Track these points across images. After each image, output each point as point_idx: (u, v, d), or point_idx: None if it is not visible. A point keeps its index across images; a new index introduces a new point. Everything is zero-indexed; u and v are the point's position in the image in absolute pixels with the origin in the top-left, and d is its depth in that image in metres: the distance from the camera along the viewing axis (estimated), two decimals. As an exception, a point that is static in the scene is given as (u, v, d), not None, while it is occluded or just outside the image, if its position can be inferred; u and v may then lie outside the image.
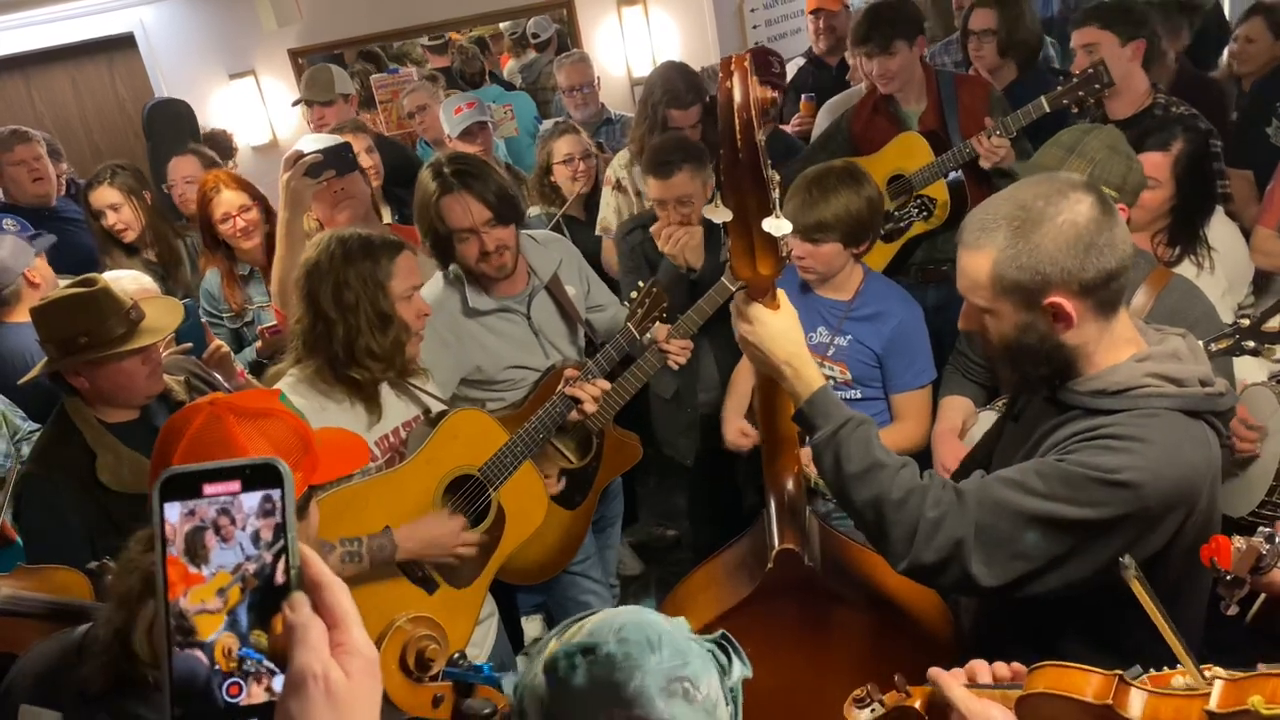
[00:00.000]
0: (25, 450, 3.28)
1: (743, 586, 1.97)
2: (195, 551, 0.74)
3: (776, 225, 1.37)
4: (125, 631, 1.48)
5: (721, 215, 1.41)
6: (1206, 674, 1.15)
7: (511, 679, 1.60)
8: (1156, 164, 2.77)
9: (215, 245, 3.66)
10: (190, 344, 2.96)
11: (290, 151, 3.07)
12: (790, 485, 1.97)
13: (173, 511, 0.75)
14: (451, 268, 2.93)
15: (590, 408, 2.75)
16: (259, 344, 3.49)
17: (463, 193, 2.72)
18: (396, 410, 2.55)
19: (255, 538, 0.75)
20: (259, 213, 3.63)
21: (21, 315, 3.50)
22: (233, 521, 0.75)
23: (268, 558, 0.75)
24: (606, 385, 2.80)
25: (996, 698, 1.27)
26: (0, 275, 3.49)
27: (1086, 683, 1.18)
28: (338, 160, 3.06)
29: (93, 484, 2.38)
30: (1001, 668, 1.33)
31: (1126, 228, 1.65)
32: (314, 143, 3.28)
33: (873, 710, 1.37)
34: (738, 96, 1.32)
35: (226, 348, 3.19)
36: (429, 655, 1.55)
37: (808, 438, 1.79)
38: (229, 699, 0.74)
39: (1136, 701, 1.15)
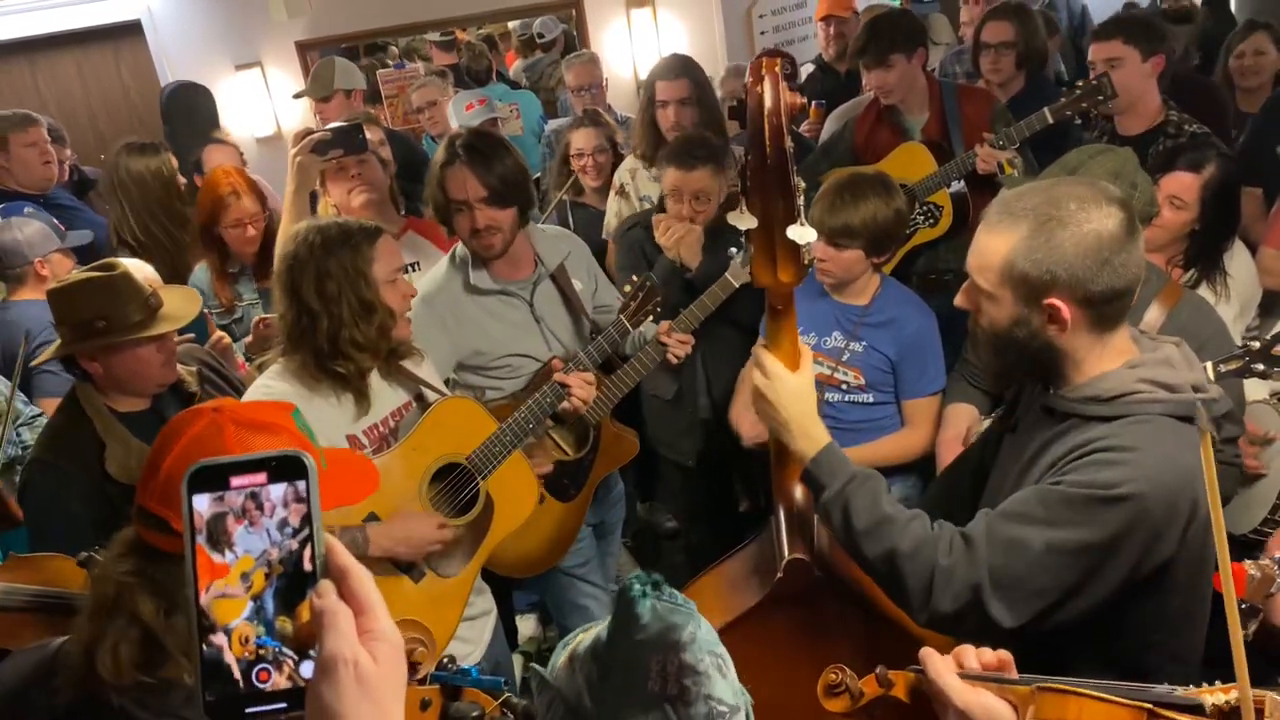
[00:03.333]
0: (25, 434, 3.27)
1: (750, 595, 1.94)
2: (217, 538, 0.76)
3: (801, 233, 1.37)
4: (91, 648, 1.45)
5: (746, 222, 1.40)
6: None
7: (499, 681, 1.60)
8: (1186, 185, 2.78)
9: (210, 242, 3.64)
10: (193, 334, 2.96)
11: (300, 128, 3.08)
12: (799, 493, 1.96)
13: (201, 502, 0.76)
14: (458, 250, 2.94)
15: (580, 394, 2.74)
16: (248, 339, 3.48)
17: (465, 166, 2.74)
18: (386, 399, 2.53)
19: (281, 526, 0.77)
20: (264, 219, 3.64)
21: (25, 295, 3.52)
22: (260, 509, 0.77)
23: (294, 545, 0.77)
24: (589, 377, 2.79)
25: (992, 690, 1.22)
26: (10, 254, 3.50)
27: (1111, 718, 1.10)
28: (346, 140, 3.07)
29: (100, 474, 2.36)
30: (988, 654, 1.29)
31: (1143, 252, 1.66)
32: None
33: (851, 698, 1.34)
34: (768, 101, 1.31)
35: (229, 338, 3.19)
36: (415, 658, 1.55)
37: (816, 499, 1.79)
38: (259, 684, 0.76)
39: None
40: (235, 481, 0.76)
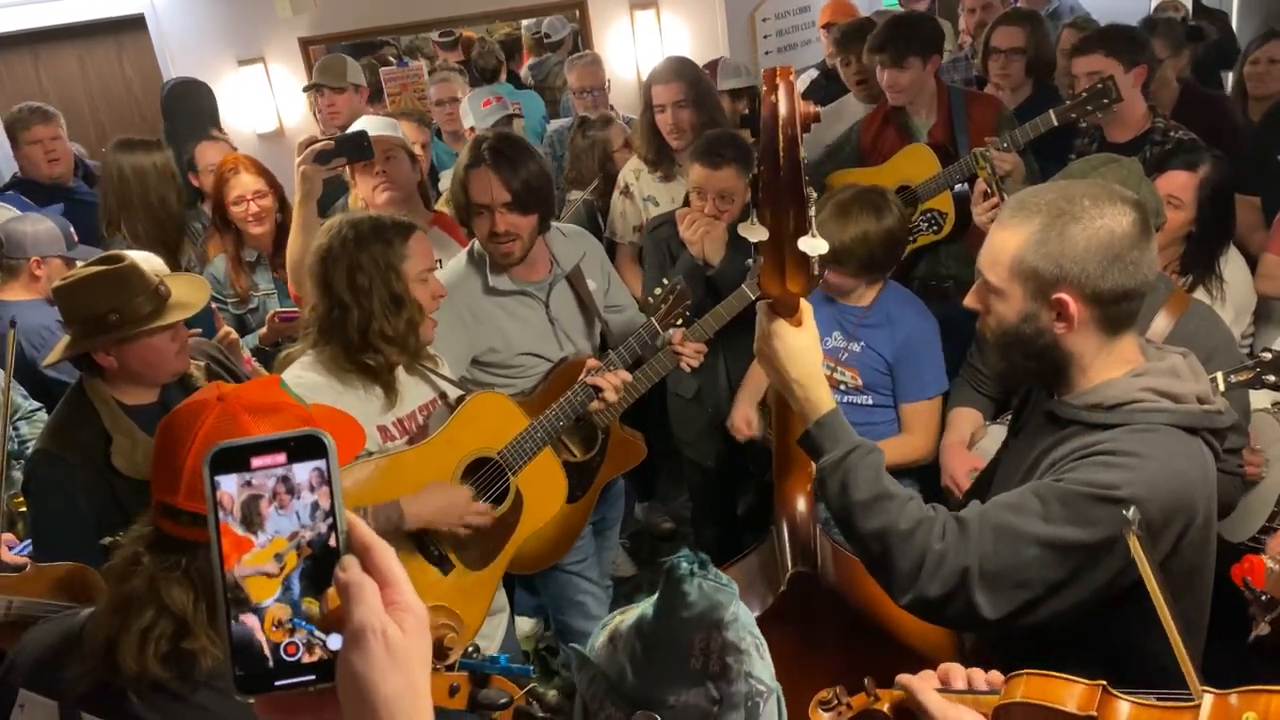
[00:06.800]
0: (24, 429, 3.27)
1: (752, 608, 1.93)
2: (250, 519, 0.77)
3: (812, 245, 1.35)
4: (114, 640, 1.45)
5: (758, 234, 1.39)
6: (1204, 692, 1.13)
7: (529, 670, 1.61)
8: (1182, 184, 2.79)
9: (225, 228, 3.67)
10: (200, 329, 2.96)
11: (304, 137, 3.08)
12: (802, 504, 1.94)
13: (228, 483, 0.78)
14: (476, 246, 2.94)
15: (612, 397, 2.76)
16: (263, 330, 3.48)
17: (489, 169, 2.73)
18: (414, 394, 2.55)
19: (311, 507, 0.78)
20: (273, 200, 3.65)
21: (15, 294, 3.51)
22: (290, 490, 0.78)
23: (322, 527, 0.78)
24: (628, 377, 2.80)
25: (969, 703, 1.25)
26: (13, 245, 3.50)
27: (1069, 693, 1.15)
28: (350, 148, 3.07)
29: (105, 467, 2.36)
30: (978, 674, 1.31)
31: (1155, 255, 1.66)
32: (365, 124, 3.31)
33: (838, 713, 1.36)
34: (783, 111, 1.30)
35: (235, 334, 3.19)
36: (446, 644, 1.56)
37: (813, 461, 1.75)
38: (287, 658, 0.77)
39: (1121, 713, 1.12)
40: (256, 462, 0.78)
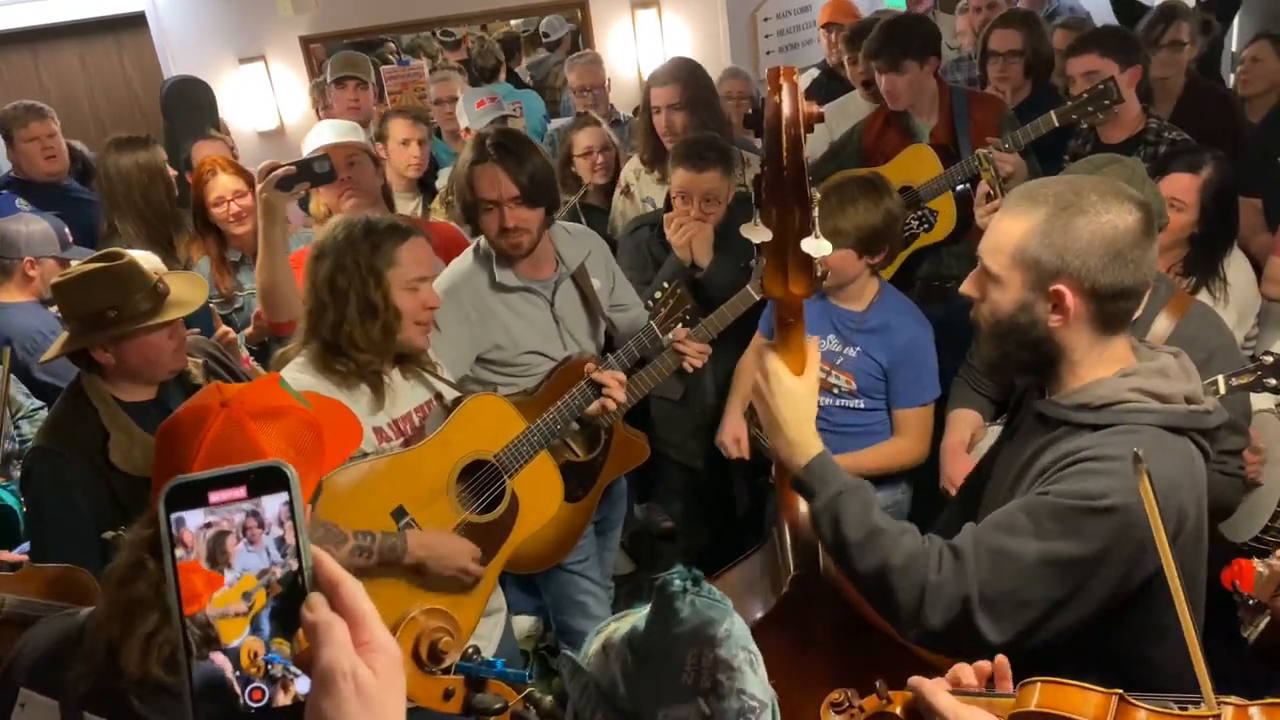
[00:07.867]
0: (25, 427, 3.27)
1: (754, 609, 1.92)
2: (216, 557, 0.74)
3: (816, 246, 1.35)
4: (116, 644, 1.43)
5: (761, 235, 1.38)
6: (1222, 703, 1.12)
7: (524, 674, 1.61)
8: (1185, 186, 2.79)
9: (207, 229, 3.65)
10: (199, 329, 2.96)
11: (265, 163, 3.02)
12: (804, 507, 1.94)
13: (192, 519, 0.74)
14: (481, 243, 2.93)
15: (619, 394, 2.74)
16: (249, 330, 3.47)
17: (495, 165, 2.73)
18: (410, 395, 2.53)
19: (279, 542, 0.75)
20: (252, 199, 3.60)
21: (10, 295, 3.51)
22: (260, 525, 0.75)
23: (291, 563, 0.75)
24: (622, 378, 2.79)
25: (982, 705, 1.24)
26: (7, 245, 3.50)
27: (1085, 701, 1.15)
28: (311, 172, 2.99)
29: (103, 464, 2.36)
30: (985, 666, 1.30)
31: (1156, 256, 1.66)
32: (329, 129, 3.28)
33: (850, 715, 1.36)
34: (787, 111, 1.30)
35: (234, 334, 3.19)
36: (442, 647, 1.55)
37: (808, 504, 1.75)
38: (252, 703, 0.74)
39: None
40: (214, 497, 0.74)
